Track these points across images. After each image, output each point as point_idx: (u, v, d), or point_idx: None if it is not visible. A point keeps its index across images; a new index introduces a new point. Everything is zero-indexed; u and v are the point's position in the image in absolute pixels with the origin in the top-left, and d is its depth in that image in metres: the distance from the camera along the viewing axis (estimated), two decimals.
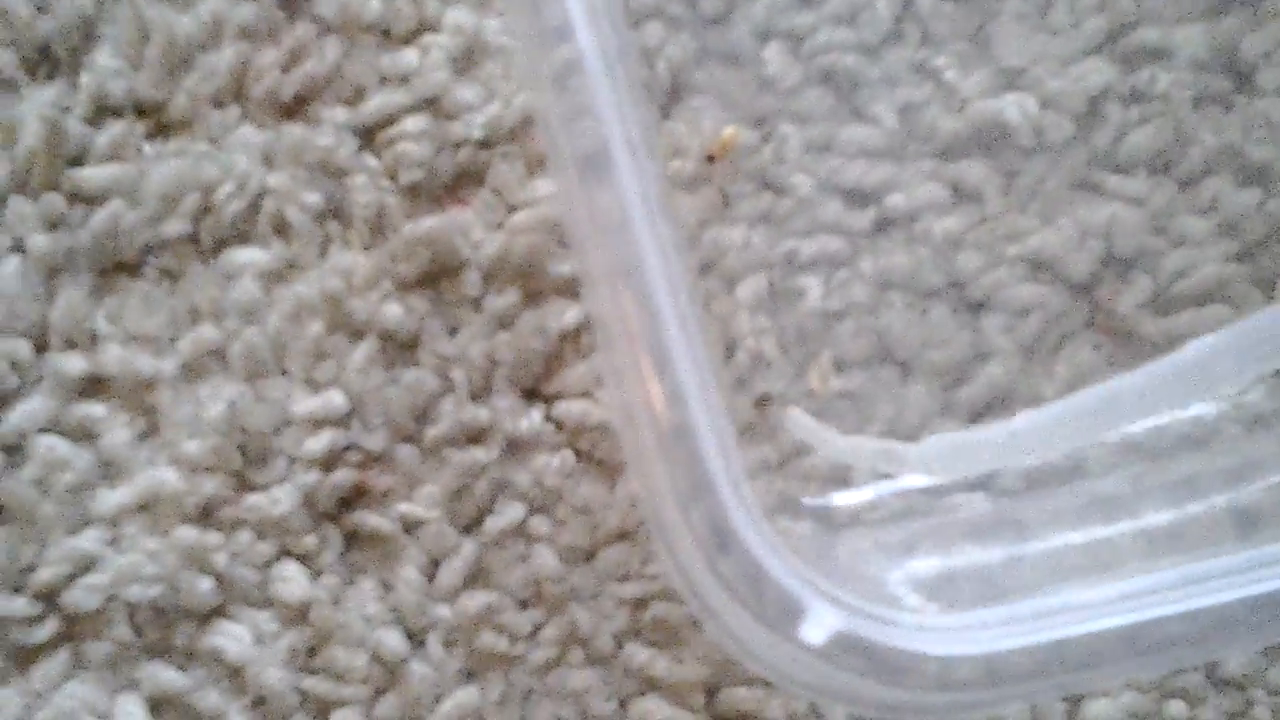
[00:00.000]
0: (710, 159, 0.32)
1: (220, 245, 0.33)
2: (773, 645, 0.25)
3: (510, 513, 0.32)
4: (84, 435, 0.32)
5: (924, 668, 0.25)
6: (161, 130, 0.33)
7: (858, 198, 0.33)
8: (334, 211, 0.33)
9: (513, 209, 0.33)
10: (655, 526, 0.25)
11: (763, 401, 0.33)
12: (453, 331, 0.32)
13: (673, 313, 0.25)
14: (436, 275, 0.33)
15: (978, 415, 0.33)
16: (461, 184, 0.33)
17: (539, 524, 0.32)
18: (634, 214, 0.25)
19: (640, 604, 0.32)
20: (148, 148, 0.33)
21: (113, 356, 0.32)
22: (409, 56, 0.33)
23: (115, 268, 0.33)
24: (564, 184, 0.26)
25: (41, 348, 0.32)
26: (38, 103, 0.32)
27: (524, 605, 0.32)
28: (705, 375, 0.25)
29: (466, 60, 0.33)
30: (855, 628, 0.25)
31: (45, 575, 0.31)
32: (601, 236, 0.25)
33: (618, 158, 0.25)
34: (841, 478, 0.32)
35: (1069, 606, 0.26)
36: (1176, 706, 0.33)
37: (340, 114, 0.33)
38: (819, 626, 0.24)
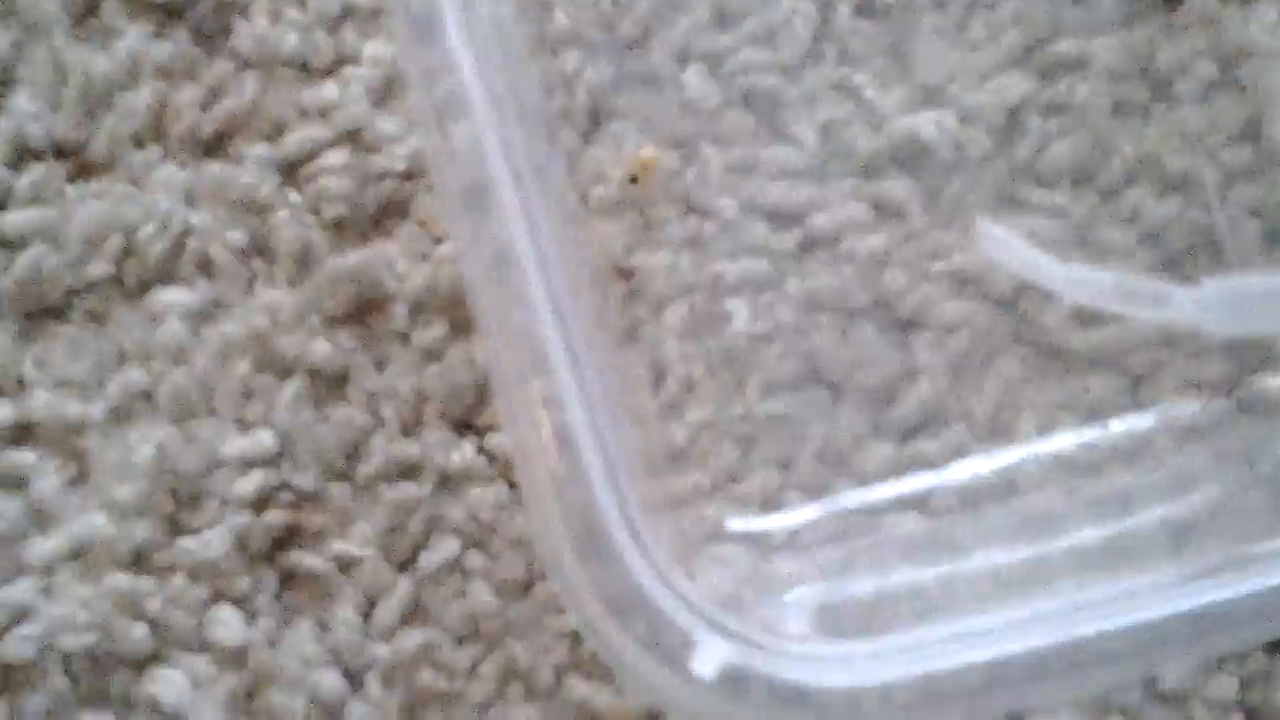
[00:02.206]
0: (633, 180, 0.33)
1: (145, 286, 0.33)
2: (667, 679, 0.25)
3: (445, 548, 0.32)
4: (14, 483, 0.32)
5: (819, 699, 0.25)
6: (82, 172, 0.33)
7: (782, 219, 0.33)
8: (258, 248, 0.33)
9: (438, 240, 0.33)
10: (549, 562, 0.25)
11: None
12: (381, 366, 0.32)
13: (563, 353, 0.25)
14: (363, 310, 0.33)
15: (909, 433, 0.33)
16: (385, 217, 0.33)
17: (474, 559, 0.32)
18: (519, 249, 0.25)
19: (579, 637, 0.32)
20: (69, 190, 0.32)
21: (40, 402, 0.32)
22: (328, 90, 0.33)
23: (41, 312, 0.33)
24: (452, 222, 0.26)
25: None
26: None
27: (461, 641, 0.32)
28: (598, 414, 0.25)
29: (386, 92, 0.33)
30: (746, 660, 0.25)
31: None
32: (486, 274, 0.25)
33: (501, 193, 0.25)
34: (772, 501, 0.32)
35: (973, 631, 0.26)
36: None
37: (261, 150, 0.33)
38: (709, 660, 0.25)
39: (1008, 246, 0.31)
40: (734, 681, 0.25)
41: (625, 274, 0.33)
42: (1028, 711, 0.32)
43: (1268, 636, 0.30)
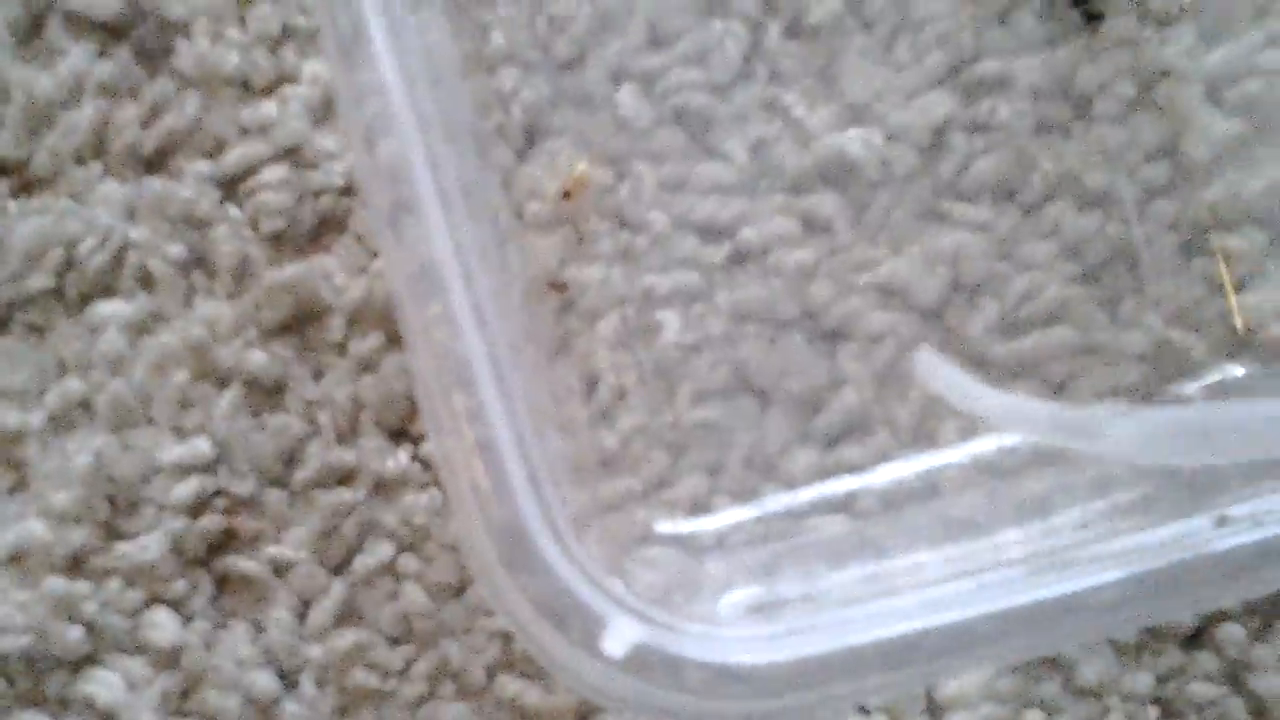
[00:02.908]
0: (566, 195, 0.33)
1: (85, 299, 0.33)
2: (579, 660, 0.25)
3: (379, 552, 0.33)
4: None
5: (728, 677, 0.26)
6: (24, 188, 0.34)
7: (712, 233, 0.34)
8: (197, 262, 0.33)
9: (375, 254, 0.33)
10: (476, 570, 0.26)
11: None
12: (318, 376, 0.33)
13: (487, 367, 0.25)
14: (301, 321, 0.33)
15: (835, 440, 0.33)
16: (324, 231, 0.34)
17: (408, 562, 0.33)
18: (443, 265, 0.25)
19: (510, 637, 0.33)
20: (11, 205, 0.33)
21: None
22: (268, 108, 0.34)
23: None
24: (380, 238, 0.27)
25: None
26: None
27: (395, 642, 0.33)
28: (523, 425, 0.26)
29: (325, 110, 0.34)
30: (656, 640, 0.25)
31: None
32: (411, 289, 0.25)
33: (426, 210, 0.26)
34: (702, 505, 0.33)
35: (886, 612, 0.27)
36: (1035, 716, 0.33)
37: (202, 166, 0.34)
38: (618, 639, 0.25)
39: (946, 377, 0.32)
40: (644, 662, 0.26)
41: (559, 287, 0.34)
42: (939, 679, 0.33)
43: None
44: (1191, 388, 0.34)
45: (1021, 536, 0.32)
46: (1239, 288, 0.35)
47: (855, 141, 0.34)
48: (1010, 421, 0.31)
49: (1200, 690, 0.34)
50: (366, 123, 0.26)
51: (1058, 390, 0.34)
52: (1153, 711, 0.33)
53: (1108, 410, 0.30)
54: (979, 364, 0.34)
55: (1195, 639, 0.34)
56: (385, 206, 0.26)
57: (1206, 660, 0.34)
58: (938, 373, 0.32)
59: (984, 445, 0.34)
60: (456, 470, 0.26)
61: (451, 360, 0.25)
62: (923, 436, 0.34)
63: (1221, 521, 0.29)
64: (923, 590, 0.30)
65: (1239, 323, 0.34)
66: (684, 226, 0.34)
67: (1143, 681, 0.33)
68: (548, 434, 0.27)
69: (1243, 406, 0.29)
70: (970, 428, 0.34)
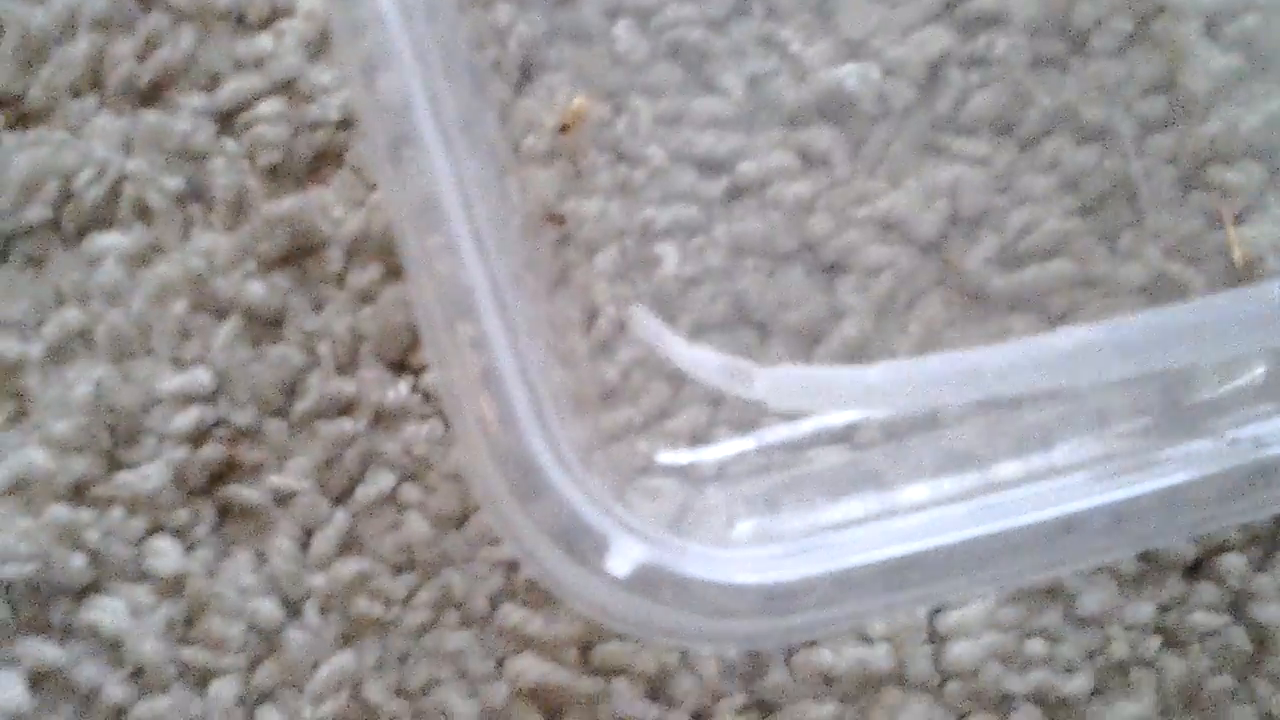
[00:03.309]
0: (564, 129, 0.33)
1: (83, 231, 0.33)
2: (586, 582, 0.25)
3: (381, 481, 0.33)
4: None
5: (737, 595, 0.26)
6: (20, 121, 0.33)
7: (710, 167, 0.34)
8: (195, 194, 0.33)
9: (372, 187, 0.34)
10: (482, 499, 0.26)
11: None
12: (317, 308, 0.33)
13: (490, 297, 0.26)
14: (299, 253, 0.33)
15: None
16: (320, 164, 0.34)
17: (410, 492, 0.33)
18: (444, 197, 0.26)
19: (513, 566, 0.33)
20: (7, 137, 0.33)
21: None
22: (263, 41, 0.34)
23: None
24: (380, 171, 0.27)
25: None
26: None
27: (398, 571, 0.33)
28: (526, 355, 0.26)
29: (321, 44, 0.34)
30: (661, 560, 0.26)
31: None
32: (413, 222, 0.26)
33: (427, 143, 0.26)
34: (702, 436, 0.33)
35: (888, 532, 0.27)
36: (1037, 645, 0.33)
37: (197, 100, 0.34)
38: (623, 558, 0.25)
39: (651, 329, 0.32)
40: (649, 580, 0.26)
41: (557, 220, 0.34)
42: (940, 601, 0.33)
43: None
44: None
45: (1022, 468, 0.32)
46: (1237, 221, 0.34)
47: (852, 76, 0.35)
48: (694, 370, 0.31)
49: (1202, 620, 0.34)
50: (364, 57, 0.26)
51: (1056, 322, 0.34)
52: (1154, 641, 0.33)
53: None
54: (977, 297, 0.34)
55: (1196, 569, 0.34)
56: (385, 140, 0.26)
57: (1208, 590, 0.34)
58: (647, 326, 0.32)
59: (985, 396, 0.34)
60: (461, 400, 0.26)
61: (455, 290, 0.26)
62: None
63: (1226, 442, 0.29)
64: (920, 513, 0.30)
65: (1237, 256, 0.34)
66: (682, 160, 0.34)
67: (1144, 611, 0.34)
68: (549, 365, 0.27)
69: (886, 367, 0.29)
70: None
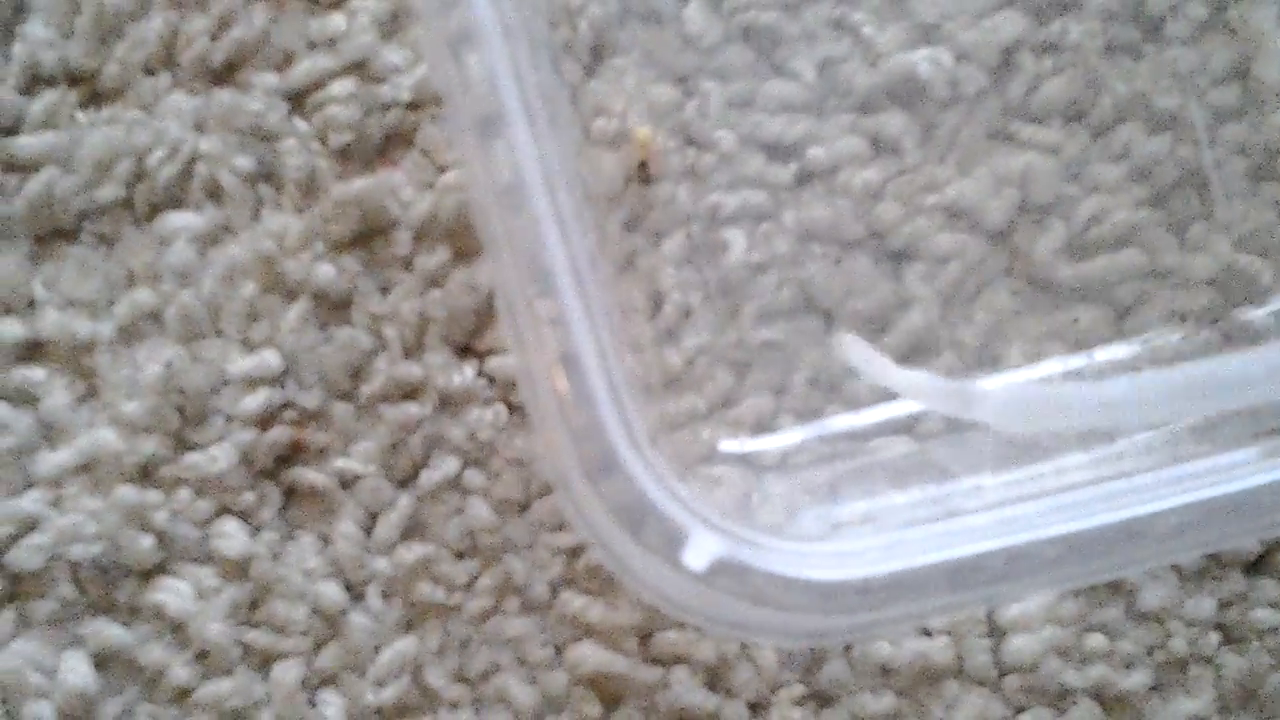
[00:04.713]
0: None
1: (154, 210, 0.33)
2: (656, 571, 0.26)
3: (445, 466, 0.33)
4: (24, 399, 0.32)
5: (807, 592, 0.26)
6: (94, 99, 0.34)
7: (779, 152, 0.34)
8: (265, 175, 0.33)
9: (442, 169, 0.34)
10: (555, 479, 0.26)
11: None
12: (385, 290, 0.33)
13: (569, 277, 0.25)
14: (368, 235, 0.33)
15: (900, 362, 0.33)
16: (391, 145, 0.34)
17: (473, 477, 0.33)
18: (529, 176, 0.25)
19: (574, 553, 0.33)
20: (81, 115, 0.33)
21: (50, 321, 0.33)
22: (336, 21, 0.34)
23: (51, 234, 0.33)
24: (463, 152, 0.27)
25: None
26: None
27: (460, 556, 0.33)
28: (602, 336, 0.26)
29: (393, 24, 0.34)
30: (736, 554, 0.26)
31: None
32: (497, 200, 0.26)
33: (514, 122, 0.26)
34: (765, 425, 0.33)
35: (954, 531, 0.27)
36: (1096, 640, 0.34)
37: (269, 79, 0.34)
38: (700, 552, 0.25)
39: (860, 354, 0.32)
40: (724, 575, 0.26)
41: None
42: (1004, 602, 0.33)
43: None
44: (1259, 313, 0.34)
45: (1085, 461, 0.32)
46: None
47: (924, 61, 0.34)
48: (910, 392, 0.31)
49: (1262, 616, 0.34)
50: (451, 34, 0.26)
51: (1124, 314, 0.34)
52: (1214, 637, 0.33)
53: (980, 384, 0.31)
54: (1045, 287, 0.34)
55: (1258, 565, 0.34)
56: (471, 118, 0.26)
57: (1269, 587, 0.34)
58: (856, 352, 0.31)
59: (1050, 369, 0.34)
60: (538, 379, 0.26)
61: (536, 270, 0.25)
62: (988, 359, 0.34)
63: None
64: (986, 513, 0.30)
65: None
66: (751, 145, 0.34)
67: (1205, 607, 0.34)
68: (620, 349, 0.27)
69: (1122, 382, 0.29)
70: (1037, 351, 0.34)
